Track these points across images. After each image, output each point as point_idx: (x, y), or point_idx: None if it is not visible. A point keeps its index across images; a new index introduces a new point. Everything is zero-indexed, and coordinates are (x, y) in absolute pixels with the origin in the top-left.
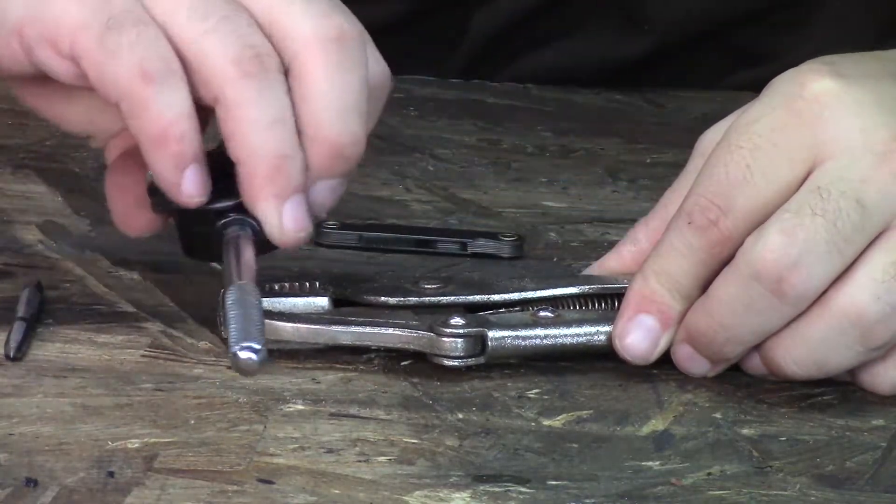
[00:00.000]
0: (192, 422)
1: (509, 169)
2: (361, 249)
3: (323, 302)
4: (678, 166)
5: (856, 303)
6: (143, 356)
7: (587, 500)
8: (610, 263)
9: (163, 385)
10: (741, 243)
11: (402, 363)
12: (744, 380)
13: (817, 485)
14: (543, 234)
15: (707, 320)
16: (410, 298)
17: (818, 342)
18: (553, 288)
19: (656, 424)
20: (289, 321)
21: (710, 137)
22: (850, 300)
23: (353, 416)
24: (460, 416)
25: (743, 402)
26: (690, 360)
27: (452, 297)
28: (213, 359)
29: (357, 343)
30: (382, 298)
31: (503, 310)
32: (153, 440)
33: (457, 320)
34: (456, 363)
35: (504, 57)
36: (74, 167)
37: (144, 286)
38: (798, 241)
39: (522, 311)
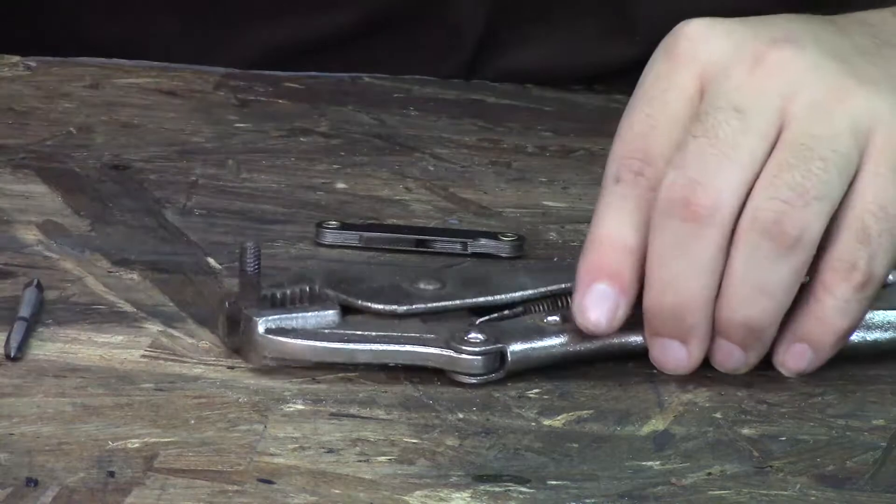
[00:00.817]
0: (193, 422)
1: (509, 169)
2: (361, 249)
3: (332, 314)
4: None
5: (756, 208)
6: (143, 356)
7: (587, 500)
8: None
9: (163, 385)
10: None
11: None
12: (744, 380)
13: (817, 485)
14: (543, 234)
15: (652, 292)
16: (417, 306)
17: (748, 269)
18: (552, 284)
19: (656, 424)
20: (305, 339)
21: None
22: (753, 208)
23: (354, 416)
24: (460, 416)
25: (743, 402)
26: (664, 351)
27: (457, 301)
28: (213, 359)
29: (375, 361)
30: (390, 307)
31: (507, 312)
32: (153, 440)
33: (475, 336)
34: (475, 381)
35: (491, 55)
36: (74, 167)
37: (144, 286)
38: (688, 163)
39: (526, 313)
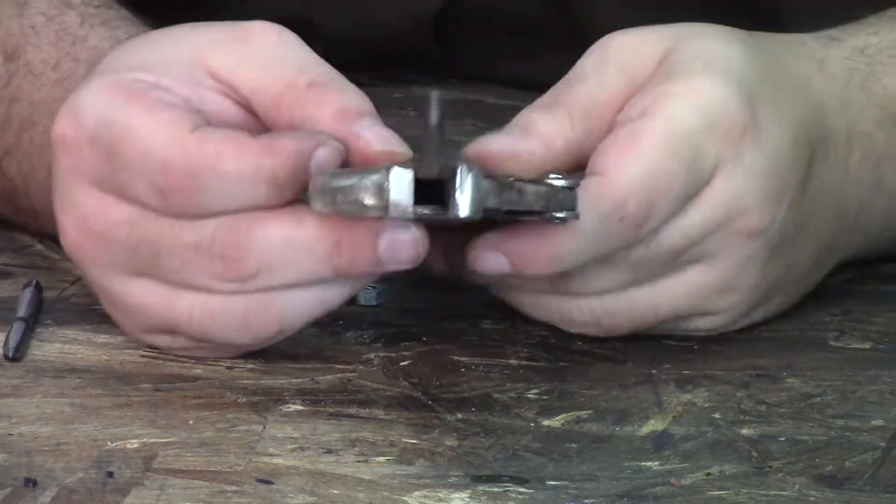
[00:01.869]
0: (192, 422)
1: None
2: None
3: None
4: None
5: None
6: (143, 356)
7: (586, 501)
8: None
9: (162, 385)
10: None
11: (402, 363)
12: (743, 380)
13: (817, 485)
14: None
15: None
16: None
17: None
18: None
19: (655, 424)
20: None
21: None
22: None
23: (353, 417)
24: (460, 416)
25: (742, 403)
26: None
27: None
28: (213, 359)
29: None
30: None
31: None
32: (152, 440)
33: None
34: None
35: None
36: None
37: None
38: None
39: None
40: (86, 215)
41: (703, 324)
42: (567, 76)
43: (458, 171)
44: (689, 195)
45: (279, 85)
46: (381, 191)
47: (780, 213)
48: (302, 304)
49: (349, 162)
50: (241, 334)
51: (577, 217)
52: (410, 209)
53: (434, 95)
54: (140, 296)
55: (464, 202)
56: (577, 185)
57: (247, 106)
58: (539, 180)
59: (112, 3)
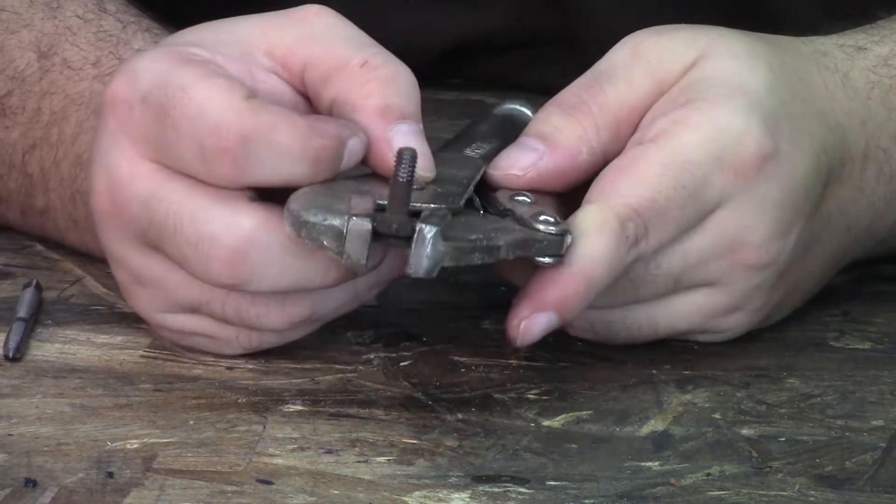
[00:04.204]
0: (192, 422)
1: None
2: None
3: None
4: None
5: None
6: (143, 356)
7: (586, 501)
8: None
9: (162, 385)
10: None
11: (402, 364)
12: (743, 380)
13: (817, 485)
14: None
15: None
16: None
17: None
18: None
19: (655, 425)
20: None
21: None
22: None
23: (353, 417)
24: (460, 416)
25: (742, 403)
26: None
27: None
28: (213, 359)
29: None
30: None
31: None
32: (152, 440)
33: (545, 217)
34: (550, 261)
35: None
36: None
37: None
38: None
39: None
40: (119, 180)
41: (703, 338)
42: (594, 72)
43: (417, 231)
44: (692, 224)
45: (333, 60)
46: (340, 237)
47: (787, 246)
48: (335, 292)
49: (367, 159)
50: (276, 314)
51: (560, 263)
52: (363, 262)
53: (409, 153)
54: (166, 268)
55: (418, 264)
56: (566, 232)
57: (297, 86)
58: (526, 223)
59: (147, 14)
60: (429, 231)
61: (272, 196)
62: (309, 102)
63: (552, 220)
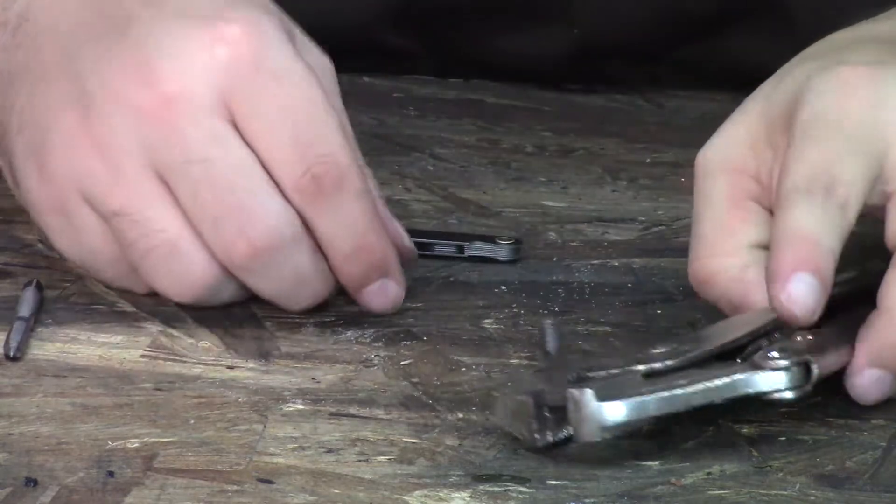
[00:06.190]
0: (192, 421)
1: (509, 169)
2: None
3: (637, 370)
4: (678, 165)
5: None
6: (143, 356)
7: (587, 500)
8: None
9: (162, 385)
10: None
11: (402, 363)
12: None
13: (817, 484)
14: (543, 234)
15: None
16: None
17: None
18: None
19: (656, 424)
20: (652, 394)
21: (710, 156)
22: None
23: (353, 416)
24: (460, 415)
25: (742, 402)
26: (879, 384)
27: (707, 347)
28: (213, 358)
29: (706, 402)
30: (659, 365)
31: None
32: (153, 440)
33: (773, 353)
34: (792, 396)
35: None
36: None
37: None
38: None
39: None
40: (193, 92)
41: None
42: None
43: (568, 398)
44: None
45: None
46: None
47: None
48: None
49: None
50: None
51: (808, 391)
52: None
53: (549, 324)
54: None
55: (581, 428)
56: (804, 361)
57: None
58: (754, 360)
59: None
60: (581, 393)
61: None
62: None
63: (781, 353)
